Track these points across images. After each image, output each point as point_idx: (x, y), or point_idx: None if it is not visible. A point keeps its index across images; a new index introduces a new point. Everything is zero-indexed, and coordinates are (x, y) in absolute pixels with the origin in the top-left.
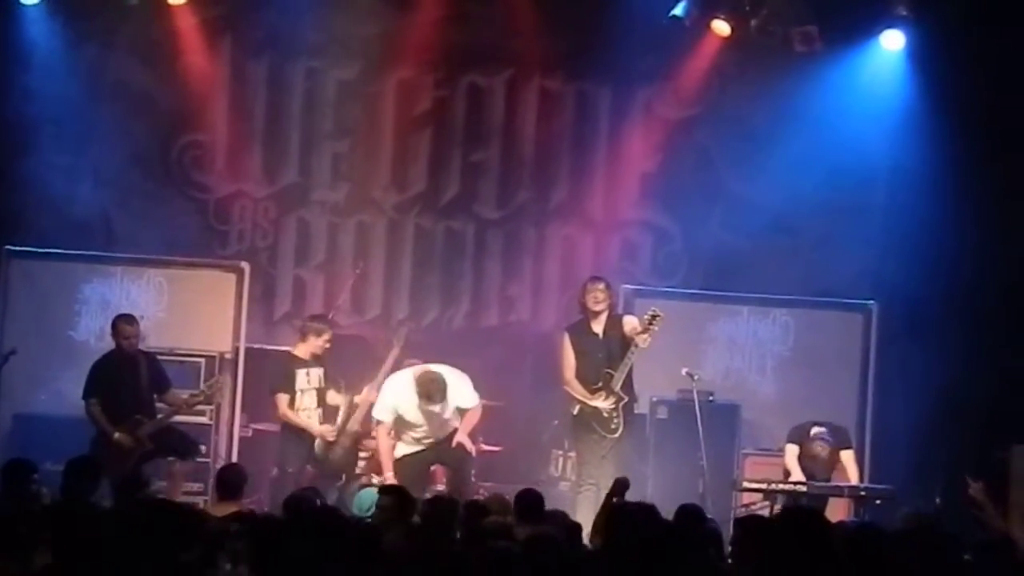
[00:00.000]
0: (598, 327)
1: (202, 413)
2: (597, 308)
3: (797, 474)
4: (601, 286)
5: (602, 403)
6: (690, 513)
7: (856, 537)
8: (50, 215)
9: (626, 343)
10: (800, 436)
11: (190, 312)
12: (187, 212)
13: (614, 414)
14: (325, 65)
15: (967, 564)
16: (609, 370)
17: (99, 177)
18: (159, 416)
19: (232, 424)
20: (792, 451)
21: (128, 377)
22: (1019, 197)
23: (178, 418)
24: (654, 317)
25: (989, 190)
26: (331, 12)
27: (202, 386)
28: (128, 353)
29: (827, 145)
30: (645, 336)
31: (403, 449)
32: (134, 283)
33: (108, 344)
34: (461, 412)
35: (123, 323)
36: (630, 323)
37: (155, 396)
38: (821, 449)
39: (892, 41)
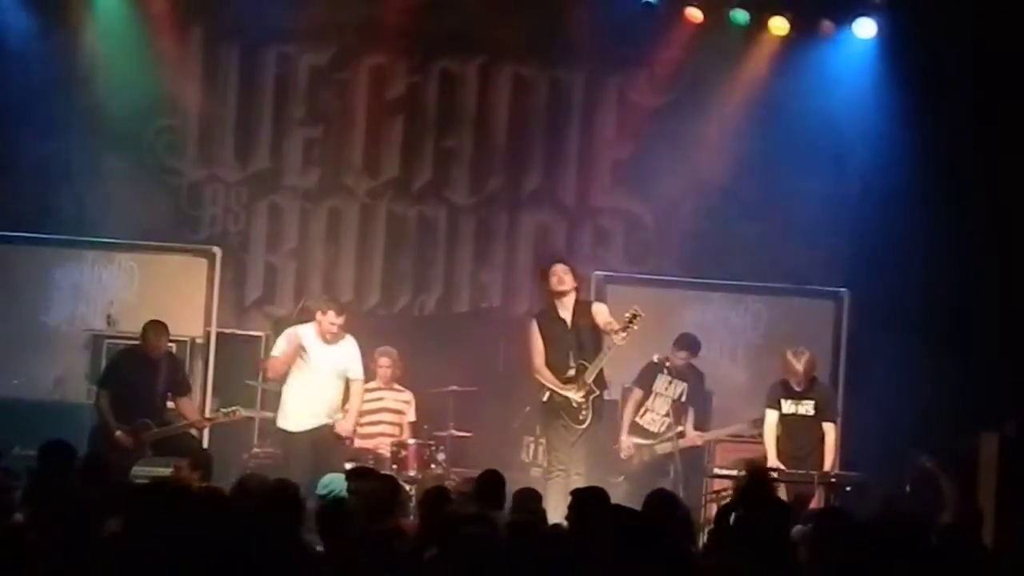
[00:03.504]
0: (565, 313)
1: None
2: (561, 288)
3: (772, 452)
4: (564, 267)
5: (573, 394)
6: (661, 499)
7: (824, 522)
8: (21, 200)
9: (598, 333)
10: (777, 396)
11: (161, 297)
12: (159, 197)
13: (583, 405)
14: (297, 51)
15: (933, 548)
16: (583, 361)
17: (70, 162)
18: (167, 427)
19: (203, 409)
20: (771, 419)
21: (145, 378)
22: (992, 185)
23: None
24: (634, 316)
25: (962, 178)
26: None
27: (221, 410)
28: (148, 355)
29: (799, 133)
30: (623, 335)
31: (291, 423)
32: (105, 268)
33: (79, 329)
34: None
35: (151, 334)
36: (601, 313)
37: (169, 397)
38: (797, 360)
39: (865, 29)
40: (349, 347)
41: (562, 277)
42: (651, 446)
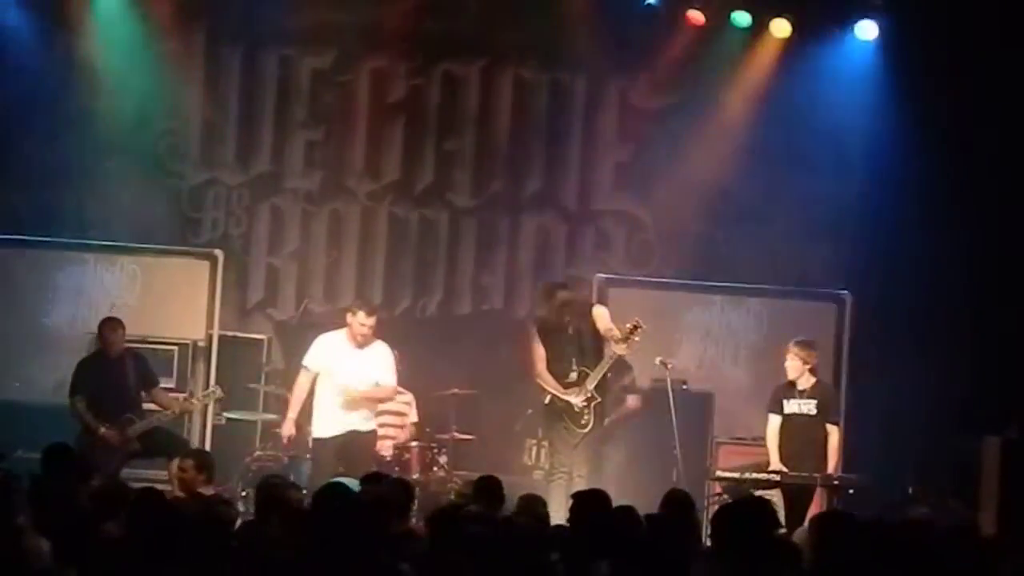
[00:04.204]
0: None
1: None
2: (565, 319)
3: (775, 456)
4: (567, 296)
5: (574, 399)
6: (678, 500)
7: (827, 525)
8: (23, 202)
9: (599, 338)
10: (780, 397)
11: (163, 300)
12: (160, 200)
13: (585, 411)
14: (299, 53)
15: (936, 551)
16: (584, 368)
17: (72, 165)
18: (150, 417)
19: (205, 412)
20: (773, 423)
21: (114, 377)
22: (994, 187)
23: (151, 405)
24: (635, 328)
25: (964, 180)
26: (305, 0)
27: (198, 394)
28: (113, 354)
29: (801, 135)
30: (624, 345)
31: (322, 429)
32: (107, 271)
33: (81, 332)
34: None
35: (106, 330)
36: (602, 318)
37: (143, 393)
38: (798, 350)
39: (866, 31)
40: (381, 354)
41: (566, 307)
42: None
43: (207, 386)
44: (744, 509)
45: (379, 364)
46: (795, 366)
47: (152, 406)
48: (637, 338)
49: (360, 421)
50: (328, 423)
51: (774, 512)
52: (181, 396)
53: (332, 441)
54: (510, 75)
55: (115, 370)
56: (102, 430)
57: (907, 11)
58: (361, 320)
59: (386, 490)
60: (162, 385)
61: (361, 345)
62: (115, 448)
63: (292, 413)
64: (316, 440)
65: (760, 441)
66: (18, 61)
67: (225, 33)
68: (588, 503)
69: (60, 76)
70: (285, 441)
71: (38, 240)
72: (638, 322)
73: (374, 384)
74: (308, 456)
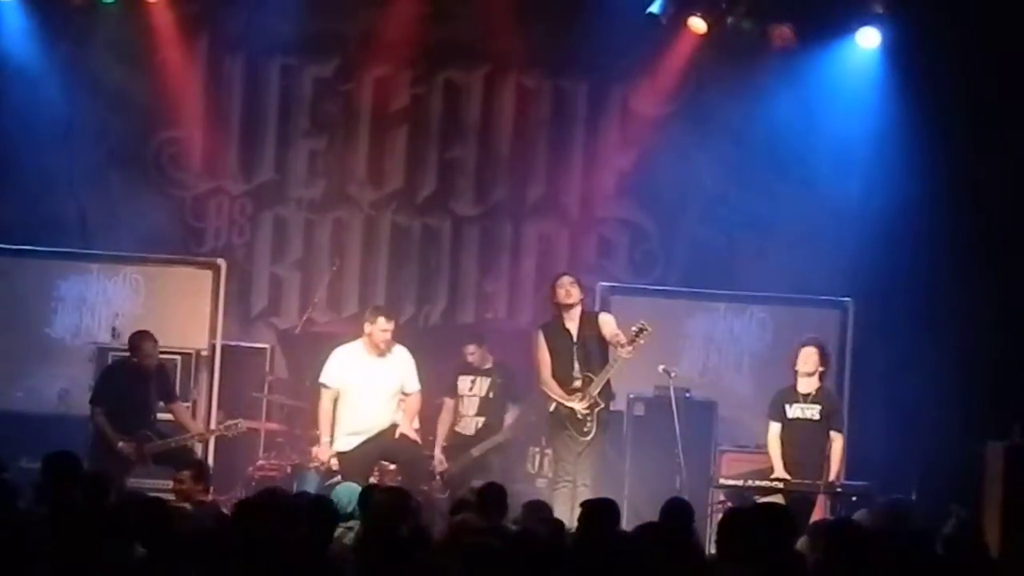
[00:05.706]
0: (572, 325)
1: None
2: (569, 301)
3: (778, 463)
4: (571, 279)
5: (578, 405)
6: (678, 509)
7: (835, 532)
8: (25, 212)
9: (604, 345)
10: (781, 402)
11: (166, 309)
12: (163, 209)
13: (588, 417)
14: (301, 62)
15: (939, 558)
16: (588, 374)
17: (75, 174)
18: (170, 439)
19: (208, 422)
20: (774, 430)
21: (138, 390)
22: (996, 193)
23: (167, 415)
24: (641, 331)
25: (965, 186)
26: (307, 9)
27: (219, 425)
28: (142, 366)
29: (803, 142)
30: (630, 349)
31: (344, 443)
32: (110, 280)
33: (83, 342)
34: (403, 398)
35: (144, 342)
36: (608, 325)
37: (161, 407)
38: (805, 357)
39: (868, 39)
40: (402, 359)
41: (569, 290)
42: (466, 450)
43: (210, 396)
44: (757, 517)
45: (402, 369)
46: (812, 364)
47: (168, 416)
48: (643, 341)
49: (380, 426)
50: (349, 439)
51: (789, 520)
52: (207, 427)
53: (355, 451)
54: (512, 83)
55: (141, 383)
56: (120, 444)
57: (909, 18)
58: (382, 327)
59: (385, 498)
60: None
61: (383, 353)
62: (130, 463)
63: (326, 436)
64: (340, 454)
65: (764, 449)
66: (21, 70)
67: (227, 42)
68: (597, 512)
69: (62, 85)
70: (325, 466)
71: (41, 250)
72: (643, 324)
73: (397, 388)
74: (311, 466)
